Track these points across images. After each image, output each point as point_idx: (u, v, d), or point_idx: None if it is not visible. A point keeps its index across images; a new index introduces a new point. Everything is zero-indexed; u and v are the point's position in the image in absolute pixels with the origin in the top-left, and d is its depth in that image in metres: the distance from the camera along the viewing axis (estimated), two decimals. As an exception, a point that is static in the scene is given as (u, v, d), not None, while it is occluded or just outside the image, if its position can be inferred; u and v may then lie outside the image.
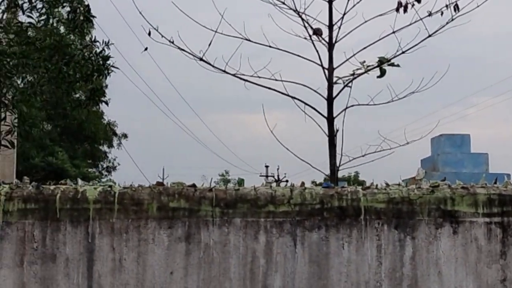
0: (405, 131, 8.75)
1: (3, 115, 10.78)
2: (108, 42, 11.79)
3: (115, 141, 41.12)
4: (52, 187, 5.63)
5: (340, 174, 6.69)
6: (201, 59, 8.94)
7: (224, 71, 8.83)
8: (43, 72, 11.32)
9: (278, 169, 52.71)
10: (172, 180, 5.89)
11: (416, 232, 5.69)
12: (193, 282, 5.59)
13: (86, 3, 11.45)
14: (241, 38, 8.91)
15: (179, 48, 8.96)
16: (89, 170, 38.17)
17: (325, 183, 5.89)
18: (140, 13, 9.10)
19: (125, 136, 41.86)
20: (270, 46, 8.95)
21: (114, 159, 41.79)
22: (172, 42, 8.95)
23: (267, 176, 55.70)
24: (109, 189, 5.67)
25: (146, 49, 9.20)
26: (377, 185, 5.86)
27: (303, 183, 5.93)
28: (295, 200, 5.71)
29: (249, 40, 8.93)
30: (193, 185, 5.83)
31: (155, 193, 5.68)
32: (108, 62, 12.08)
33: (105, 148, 41.06)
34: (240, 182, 7.40)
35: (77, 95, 11.66)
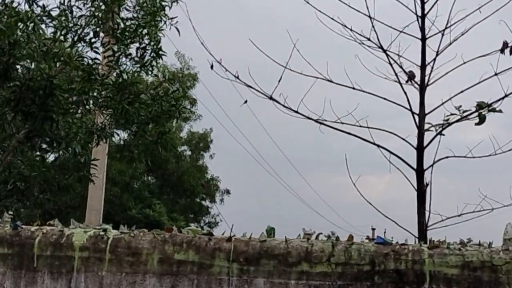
0: (512, 190, 7.18)
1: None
2: (180, 79, 10.84)
3: (217, 197, 40.51)
4: (33, 228, 4.54)
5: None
6: (270, 98, 7.79)
7: (296, 111, 7.64)
8: (107, 111, 10.53)
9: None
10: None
11: (502, 310, 4.14)
12: None
13: (158, 38, 10.59)
14: (320, 78, 7.75)
15: (246, 84, 7.86)
16: (190, 224, 37.46)
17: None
18: (202, 43, 8.12)
19: (227, 192, 41.22)
20: (353, 88, 7.72)
21: (217, 215, 41.07)
22: (237, 77, 7.87)
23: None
24: (102, 233, 4.51)
25: (245, 102, 8.12)
26: (449, 244, 4.38)
27: (351, 237, 4.54)
28: (337, 259, 4.33)
29: (330, 81, 7.76)
30: (209, 233, 4.58)
31: (158, 241, 4.47)
32: (180, 103, 11.10)
33: (207, 203, 40.50)
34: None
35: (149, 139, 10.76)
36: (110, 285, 4.38)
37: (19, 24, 9.26)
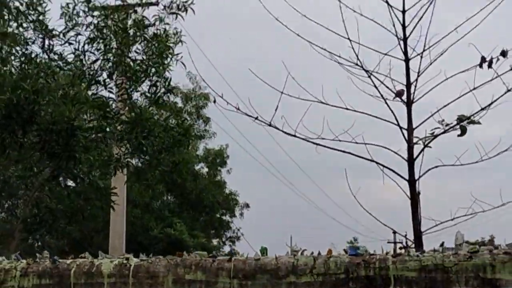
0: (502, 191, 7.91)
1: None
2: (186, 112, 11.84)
3: (237, 211, 41.22)
4: (68, 261, 5.54)
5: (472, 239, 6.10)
6: (269, 125, 8.65)
7: (294, 135, 8.49)
8: (124, 145, 11.56)
9: (405, 235, 50.63)
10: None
11: (454, 303, 5.06)
12: None
13: (167, 76, 11.68)
14: (315, 102, 8.58)
15: (245, 114, 8.74)
16: (212, 240, 38.46)
17: (351, 249, 5.41)
18: (204, 80, 9.11)
19: (247, 205, 41.93)
20: (347, 109, 8.57)
21: (238, 229, 41.78)
22: (238, 109, 8.75)
23: (395, 243, 53.92)
24: (125, 261, 5.50)
25: (256, 118, 8.81)
26: (409, 252, 5.30)
27: (329, 251, 5.49)
28: (318, 270, 5.27)
29: (323, 103, 8.57)
30: (213, 256, 5.55)
31: (171, 265, 5.45)
32: (189, 133, 12.12)
33: (227, 218, 41.21)
34: (263, 251, 7.21)
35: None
36: (134, 304, 5.36)
37: (41, 73, 10.31)
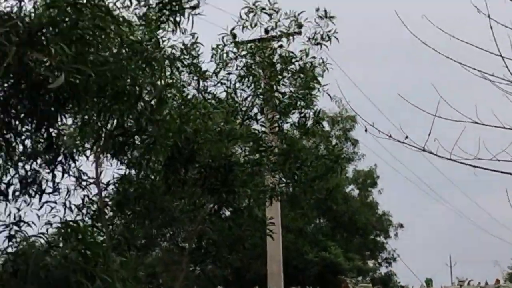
0: None
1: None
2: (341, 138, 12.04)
3: (391, 232, 40.86)
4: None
5: None
6: (423, 150, 8.68)
7: (450, 159, 8.45)
8: (278, 176, 11.96)
9: None
10: (460, 269, 5.74)
11: None
12: None
13: (316, 108, 12.08)
14: (470, 122, 8.51)
15: (398, 140, 8.82)
16: (368, 262, 38.29)
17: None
18: (354, 111, 9.25)
19: (401, 226, 41.48)
20: (503, 127, 8.39)
21: (394, 250, 41.36)
22: (390, 136, 8.85)
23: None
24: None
25: (406, 137, 8.97)
26: None
27: (497, 281, 5.42)
28: (486, 300, 5.23)
29: (478, 123, 8.45)
30: (377, 288, 5.66)
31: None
32: (340, 159, 12.36)
33: (382, 239, 40.97)
34: (428, 282, 7.18)
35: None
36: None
37: (197, 114, 10.89)
